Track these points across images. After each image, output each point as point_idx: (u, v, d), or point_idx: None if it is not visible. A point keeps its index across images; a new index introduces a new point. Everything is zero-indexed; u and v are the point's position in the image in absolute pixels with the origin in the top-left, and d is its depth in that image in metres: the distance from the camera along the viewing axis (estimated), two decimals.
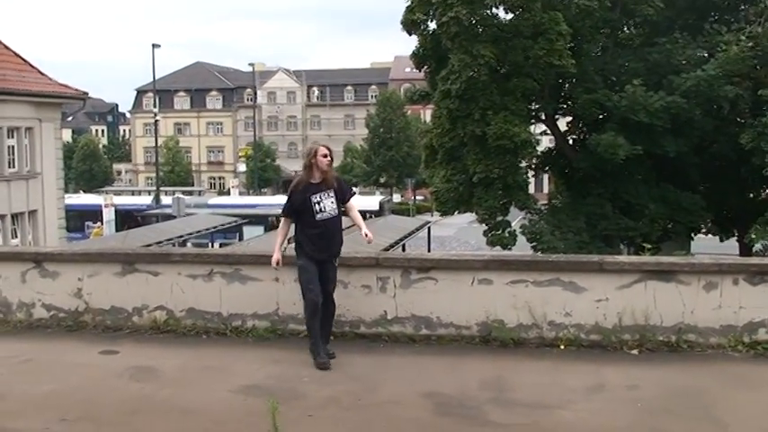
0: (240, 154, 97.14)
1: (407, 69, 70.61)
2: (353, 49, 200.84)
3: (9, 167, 26.57)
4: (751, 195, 31.24)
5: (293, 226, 7.61)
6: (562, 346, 7.83)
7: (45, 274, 8.93)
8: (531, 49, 26.80)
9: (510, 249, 28.44)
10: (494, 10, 28.03)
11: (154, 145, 67.17)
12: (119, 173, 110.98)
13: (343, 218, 7.70)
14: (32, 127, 27.31)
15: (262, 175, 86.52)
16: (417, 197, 77.89)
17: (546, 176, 41.99)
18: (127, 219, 49.33)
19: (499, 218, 29.37)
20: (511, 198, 29.28)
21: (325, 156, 7.43)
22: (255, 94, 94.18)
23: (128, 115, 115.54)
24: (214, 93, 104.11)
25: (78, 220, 48.24)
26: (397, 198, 77.97)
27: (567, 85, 30.62)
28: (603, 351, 7.75)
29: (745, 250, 30.13)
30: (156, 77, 62.81)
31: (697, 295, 7.78)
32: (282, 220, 7.74)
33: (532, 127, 31.78)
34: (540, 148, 32.44)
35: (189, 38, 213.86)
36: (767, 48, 25.83)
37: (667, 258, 8.44)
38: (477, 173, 28.09)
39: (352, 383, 6.83)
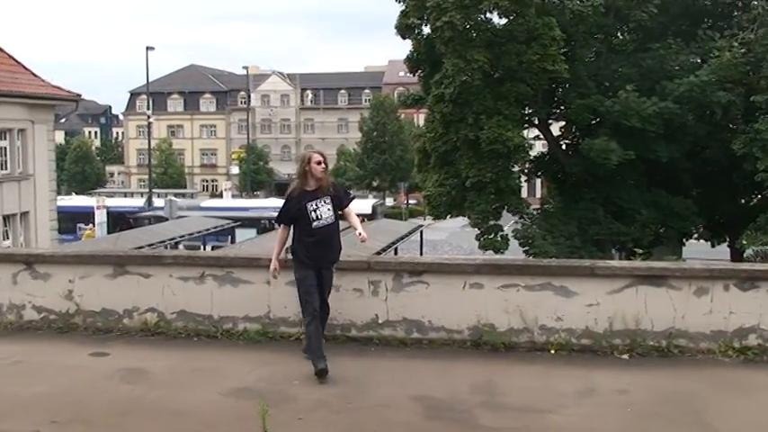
0: (233, 157, 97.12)
1: (401, 73, 70.64)
2: (347, 52, 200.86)
3: (1, 169, 26.50)
4: (742, 201, 31.36)
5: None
6: (553, 351, 7.84)
7: (36, 275, 8.91)
8: (525, 54, 26.86)
9: (502, 253, 28.48)
10: (488, 15, 28.11)
11: (147, 147, 67.18)
12: (111, 175, 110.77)
13: (341, 221, 7.63)
14: (25, 128, 27.24)
15: (255, 177, 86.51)
16: (410, 201, 77.94)
17: (538, 181, 42.03)
18: (119, 221, 49.24)
19: (491, 222, 29.41)
20: (503, 202, 29.33)
21: (319, 163, 7.33)
22: (249, 96, 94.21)
23: (121, 117, 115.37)
24: (207, 95, 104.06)
25: (70, 221, 48.12)
26: (389, 202, 78.03)
27: (560, 90, 30.68)
28: (594, 355, 7.76)
29: (737, 256, 30.27)
30: (150, 80, 62.77)
31: (688, 300, 7.81)
32: (280, 228, 7.65)
33: (525, 132, 31.84)
34: (532, 153, 32.48)
35: (183, 40, 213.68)
36: (759, 54, 25.92)
37: (658, 263, 8.46)
38: (470, 177, 28.13)
39: (342, 387, 6.82)
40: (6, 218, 26.55)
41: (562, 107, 30.80)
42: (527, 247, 28.17)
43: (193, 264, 8.67)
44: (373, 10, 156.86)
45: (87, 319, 8.73)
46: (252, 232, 43.00)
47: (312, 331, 7.20)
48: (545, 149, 34.49)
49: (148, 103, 67.22)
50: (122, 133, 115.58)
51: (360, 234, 7.39)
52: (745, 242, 27.98)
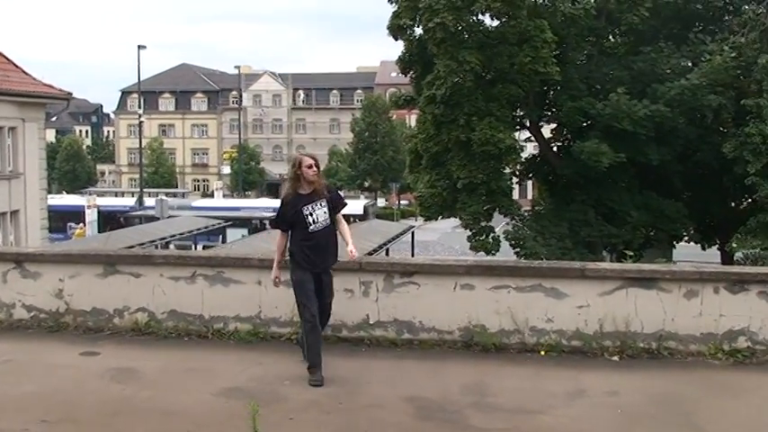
0: (224, 156, 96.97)
1: (393, 74, 70.77)
2: (340, 53, 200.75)
3: None
4: (733, 204, 31.43)
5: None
6: (543, 352, 7.87)
7: (26, 274, 8.89)
8: (517, 56, 26.87)
9: (494, 255, 28.50)
10: (480, 16, 28.10)
11: (138, 146, 67.07)
12: (102, 174, 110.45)
13: None
14: (16, 127, 27.19)
15: (246, 177, 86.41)
16: (402, 202, 77.99)
17: (530, 183, 42.08)
18: (109, 220, 49.21)
19: (483, 223, 29.41)
20: (495, 204, 29.34)
21: (310, 167, 7.19)
22: (241, 96, 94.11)
23: (112, 116, 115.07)
24: (199, 95, 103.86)
25: (61, 220, 48.07)
26: (381, 202, 78.01)
27: (551, 93, 30.71)
28: (584, 357, 7.79)
29: (727, 259, 30.36)
30: (141, 79, 62.74)
31: (678, 303, 7.84)
32: (278, 234, 7.50)
33: (517, 133, 31.87)
34: (524, 155, 32.53)
35: (175, 39, 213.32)
36: (750, 58, 26.00)
37: (649, 266, 8.48)
38: (462, 178, 28.13)
39: (333, 387, 6.83)
40: None
41: (553, 109, 30.83)
42: (518, 249, 28.18)
43: (184, 263, 8.66)
44: (366, 11, 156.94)
45: (78, 318, 8.71)
46: (243, 232, 43.02)
47: (311, 340, 7.06)
48: (536, 151, 34.54)
49: (140, 102, 67.16)
50: (113, 132, 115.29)
51: (351, 252, 7.28)
52: (735, 245, 28.07)
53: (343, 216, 7.54)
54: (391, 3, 29.00)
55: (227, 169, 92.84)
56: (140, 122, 64.05)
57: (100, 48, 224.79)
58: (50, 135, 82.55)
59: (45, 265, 8.94)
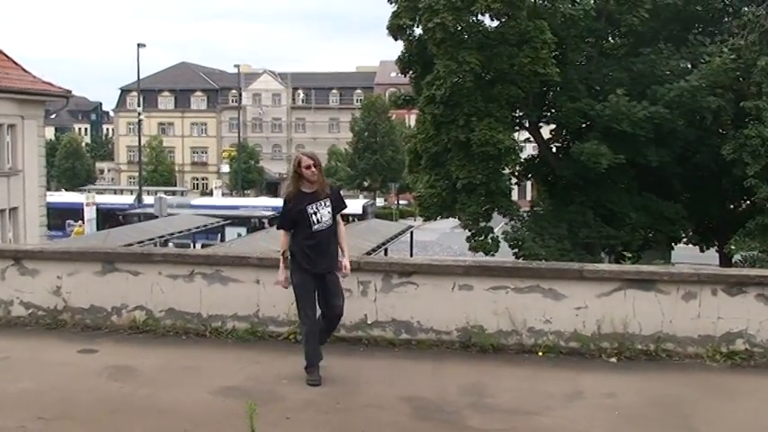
0: (224, 155, 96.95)
1: (393, 74, 70.67)
2: (339, 52, 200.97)
3: None
4: (732, 206, 31.47)
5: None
6: (541, 353, 7.87)
7: (24, 271, 8.88)
8: (516, 57, 26.87)
9: (493, 255, 28.50)
10: (479, 17, 28.09)
11: (137, 144, 66.99)
12: (101, 171, 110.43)
13: None
14: (15, 124, 27.18)
15: (245, 176, 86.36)
16: (401, 202, 77.98)
17: (529, 183, 42.07)
18: (108, 218, 49.14)
19: (482, 224, 29.41)
20: (494, 204, 29.33)
21: (308, 167, 6.98)
22: (240, 95, 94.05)
23: (111, 114, 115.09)
24: (199, 93, 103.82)
25: (59, 218, 48.01)
26: (380, 202, 77.98)
27: (551, 94, 30.70)
28: (582, 358, 7.79)
29: (726, 261, 30.33)
30: (141, 77, 62.66)
31: (676, 305, 7.84)
32: (281, 234, 7.28)
33: (516, 134, 31.86)
34: (523, 156, 32.53)
35: (174, 38, 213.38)
36: (749, 60, 26.01)
37: (647, 267, 8.49)
38: (461, 179, 28.12)
39: (331, 387, 6.82)
40: None
41: (553, 110, 30.83)
42: (517, 250, 28.18)
43: (183, 262, 8.65)
44: (365, 11, 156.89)
45: (75, 315, 8.71)
46: (242, 231, 43.01)
47: (309, 344, 7.02)
48: (535, 152, 34.53)
49: (139, 100, 67.06)
50: (113, 130, 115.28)
51: (345, 267, 7.19)
52: (733, 247, 28.04)
53: (342, 216, 7.43)
54: (391, 3, 29.00)
55: (226, 168, 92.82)
56: (140, 120, 63.97)
57: (99, 46, 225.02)
58: (50, 132, 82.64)
59: (43, 262, 8.94)
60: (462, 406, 6.49)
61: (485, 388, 6.94)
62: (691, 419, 6.34)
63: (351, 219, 42.66)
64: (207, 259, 8.70)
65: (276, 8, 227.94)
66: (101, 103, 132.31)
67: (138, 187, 63.74)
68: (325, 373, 6.99)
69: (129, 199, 60.04)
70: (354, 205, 50.13)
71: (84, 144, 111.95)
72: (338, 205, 7.21)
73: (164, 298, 8.57)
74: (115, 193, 71.73)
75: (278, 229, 7.37)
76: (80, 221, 47.80)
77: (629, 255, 12.50)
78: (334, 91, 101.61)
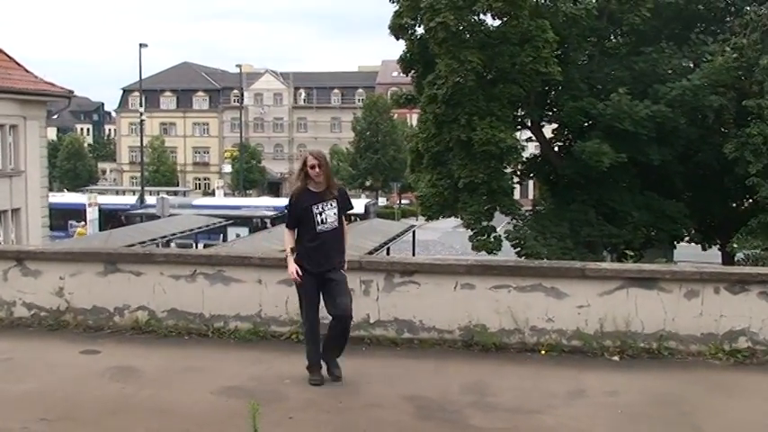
0: (226, 155, 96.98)
1: (395, 73, 70.71)
2: (341, 52, 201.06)
3: None
4: (734, 205, 31.43)
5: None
6: (543, 352, 7.87)
7: (27, 272, 8.89)
8: (518, 56, 26.85)
9: (495, 254, 28.48)
10: (481, 16, 28.10)
11: (139, 144, 67.05)
12: (103, 172, 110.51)
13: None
14: (17, 125, 27.19)
15: (247, 176, 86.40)
16: (403, 201, 77.96)
17: (531, 182, 42.07)
18: (111, 218, 49.15)
19: (484, 223, 29.39)
20: (496, 203, 29.31)
21: (313, 167, 6.86)
22: (242, 95, 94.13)
23: (113, 114, 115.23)
24: (200, 93, 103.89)
25: (62, 218, 48.03)
26: (382, 201, 78.03)
27: (552, 93, 30.70)
28: (584, 357, 7.78)
29: (728, 259, 30.31)
30: (143, 77, 62.69)
31: (678, 303, 7.83)
32: (286, 232, 7.11)
33: (518, 133, 31.85)
34: (525, 155, 32.50)
35: (176, 38, 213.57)
36: (751, 59, 25.99)
37: (649, 266, 8.48)
38: (463, 178, 28.11)
39: (333, 386, 6.82)
40: None
41: (555, 109, 30.82)
42: (519, 249, 28.17)
43: (185, 262, 8.66)
44: (367, 10, 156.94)
45: (78, 316, 8.71)
46: (244, 231, 43.03)
47: (308, 346, 7.01)
48: (537, 151, 34.51)
49: (141, 100, 67.20)
50: (115, 130, 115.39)
51: (339, 263, 7.03)
52: (735, 246, 28.03)
53: (345, 215, 7.34)
54: (393, 2, 29.01)
55: (228, 168, 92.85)
56: (142, 121, 64.06)
57: (101, 46, 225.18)
58: (52, 133, 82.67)
59: (46, 263, 8.95)
60: (464, 405, 6.48)
61: (487, 387, 6.94)
62: (693, 417, 6.33)
63: (353, 218, 42.59)
64: (209, 259, 8.70)
65: (277, 8, 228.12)
66: (103, 104, 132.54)
67: (140, 187, 63.76)
68: (327, 373, 6.99)
69: (131, 199, 60.03)
70: (357, 205, 50.01)
71: (86, 144, 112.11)
72: (344, 206, 7.09)
73: (166, 298, 8.58)
74: (117, 194, 71.71)
75: (286, 227, 7.17)
76: (82, 222, 47.82)
77: (632, 253, 12.45)
78: (335, 90, 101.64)
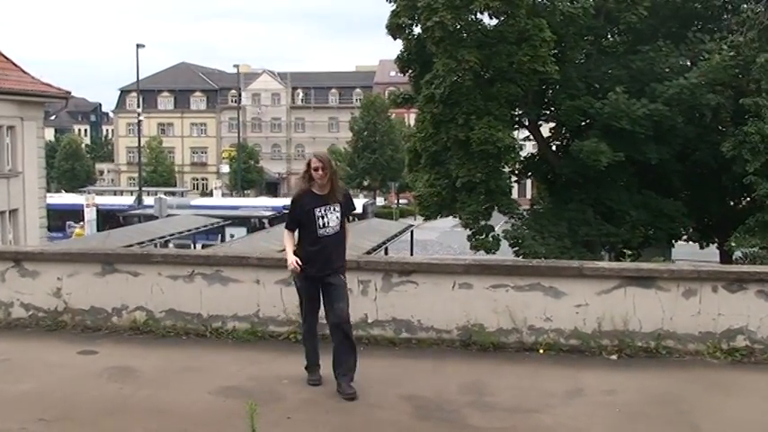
0: (223, 155, 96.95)
1: (392, 73, 70.66)
2: (339, 52, 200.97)
3: None
4: (732, 203, 31.46)
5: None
6: (541, 351, 7.87)
7: (24, 273, 8.88)
8: (516, 55, 26.84)
9: (494, 254, 28.48)
10: (478, 15, 28.07)
11: (137, 145, 66.99)
12: (101, 172, 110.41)
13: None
14: (14, 125, 27.17)
15: (245, 176, 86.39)
16: (401, 201, 77.97)
17: (529, 182, 42.07)
18: (108, 219, 49.09)
19: (482, 222, 29.40)
20: (494, 203, 29.32)
21: (317, 170, 6.70)
22: (240, 95, 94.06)
23: (111, 115, 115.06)
24: (198, 93, 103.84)
25: (59, 219, 47.97)
26: (380, 201, 78.02)
27: (550, 92, 30.70)
28: (582, 356, 7.79)
29: (726, 258, 30.35)
30: (141, 77, 62.59)
31: (676, 302, 7.84)
32: (286, 234, 6.96)
33: (516, 132, 31.85)
34: (523, 154, 32.51)
35: (174, 38, 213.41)
36: (749, 57, 26.00)
37: (647, 264, 8.50)
38: (461, 177, 28.11)
39: (331, 386, 6.80)
40: None
41: (552, 108, 30.82)
42: (517, 248, 28.18)
43: (183, 262, 8.66)
44: (365, 10, 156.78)
45: (76, 317, 8.71)
46: (242, 231, 43.04)
47: (306, 346, 7.00)
48: (535, 150, 34.52)
49: (139, 100, 67.09)
50: (112, 131, 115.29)
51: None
52: (733, 244, 28.07)
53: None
54: (390, 2, 29.00)
55: (225, 168, 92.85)
56: (139, 121, 63.95)
57: (99, 47, 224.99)
58: (49, 134, 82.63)
59: (43, 263, 8.94)
60: (463, 404, 6.49)
61: (485, 386, 6.94)
62: (691, 416, 6.34)
63: (351, 218, 42.64)
64: (207, 260, 8.70)
65: (275, 8, 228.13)
66: (100, 104, 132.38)
67: (137, 188, 63.72)
68: (326, 373, 6.98)
69: (128, 200, 60.01)
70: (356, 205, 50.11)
71: (83, 145, 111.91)
72: (347, 209, 6.97)
73: (164, 299, 8.58)
74: (115, 194, 71.72)
75: (285, 228, 7.03)
76: (80, 223, 47.79)
77: (630, 252, 12.50)
78: (333, 90, 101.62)
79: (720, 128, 28.43)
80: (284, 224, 7.16)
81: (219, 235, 43.00)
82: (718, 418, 6.35)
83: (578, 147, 26.92)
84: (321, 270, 6.76)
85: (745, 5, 28.34)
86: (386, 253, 29.04)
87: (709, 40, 27.74)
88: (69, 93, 30.09)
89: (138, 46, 58.61)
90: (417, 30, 28.90)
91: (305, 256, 6.78)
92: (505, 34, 27.33)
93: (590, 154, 26.25)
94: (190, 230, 36.66)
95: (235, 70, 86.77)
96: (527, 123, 31.84)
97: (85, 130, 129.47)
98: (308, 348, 7.01)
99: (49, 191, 37.35)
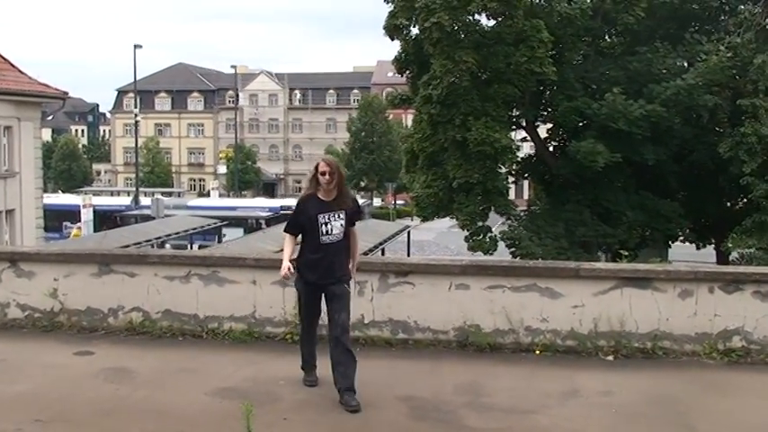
0: (221, 156, 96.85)
1: (390, 74, 70.60)
2: (336, 52, 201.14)
3: None
4: (728, 204, 31.47)
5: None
6: (538, 352, 7.87)
7: (21, 273, 8.87)
8: (513, 56, 26.87)
9: (491, 254, 28.49)
10: (476, 16, 28.11)
11: (134, 145, 66.90)
12: (98, 173, 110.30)
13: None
14: (11, 126, 27.11)
15: (242, 177, 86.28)
16: (398, 201, 77.97)
17: (526, 182, 42.10)
18: (105, 219, 49.06)
19: (480, 223, 29.42)
20: (491, 203, 29.33)
21: (324, 174, 6.50)
22: (237, 96, 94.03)
23: (108, 115, 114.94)
24: (195, 94, 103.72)
25: (56, 220, 47.91)
26: (377, 202, 78.03)
27: (547, 93, 30.72)
28: (579, 357, 7.79)
29: (722, 258, 30.38)
30: (138, 78, 62.56)
31: (672, 302, 7.84)
32: (286, 238, 6.75)
33: (513, 133, 31.86)
34: (520, 155, 32.53)
35: (171, 39, 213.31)
36: (746, 58, 26.03)
37: (643, 265, 8.49)
38: (458, 178, 28.13)
39: (327, 387, 6.79)
40: None
41: (549, 109, 30.84)
42: (514, 249, 28.19)
43: (179, 263, 8.65)
44: (362, 11, 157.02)
45: (72, 317, 8.69)
46: (239, 232, 43.03)
47: (303, 350, 6.97)
48: (532, 151, 34.53)
49: (136, 101, 67.05)
50: (109, 131, 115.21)
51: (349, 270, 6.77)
52: (730, 245, 28.11)
53: None
54: (388, 2, 29.00)
55: (223, 169, 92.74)
56: (136, 122, 63.88)
57: (96, 47, 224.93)
58: (46, 134, 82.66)
59: (40, 264, 8.93)
60: (459, 405, 6.48)
61: (481, 387, 6.94)
62: (688, 417, 6.34)
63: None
64: (203, 260, 8.69)
65: (273, 8, 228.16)
66: (97, 105, 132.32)
67: (135, 189, 63.64)
68: (323, 374, 6.97)
69: (125, 200, 59.95)
70: None
71: (80, 146, 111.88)
72: (353, 217, 6.75)
73: (160, 299, 8.57)
74: (112, 195, 71.67)
75: (284, 230, 6.81)
76: (77, 223, 47.74)
77: (626, 253, 12.48)
78: (330, 91, 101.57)
79: (717, 129, 28.46)
80: (284, 227, 6.93)
81: (216, 236, 42.96)
82: (714, 418, 6.35)
83: (575, 148, 26.94)
84: (323, 278, 6.59)
85: (743, 7, 28.40)
86: (383, 254, 29.05)
87: (706, 42, 27.78)
88: (66, 93, 30.04)
89: (135, 46, 58.60)
90: (415, 30, 28.92)
91: (306, 263, 6.61)
92: (503, 35, 27.36)
93: (587, 155, 26.27)
94: (187, 231, 36.62)
95: (232, 71, 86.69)
96: (524, 124, 31.84)
97: (82, 131, 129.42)
98: (304, 352, 7.00)
99: (45, 191, 37.33)
